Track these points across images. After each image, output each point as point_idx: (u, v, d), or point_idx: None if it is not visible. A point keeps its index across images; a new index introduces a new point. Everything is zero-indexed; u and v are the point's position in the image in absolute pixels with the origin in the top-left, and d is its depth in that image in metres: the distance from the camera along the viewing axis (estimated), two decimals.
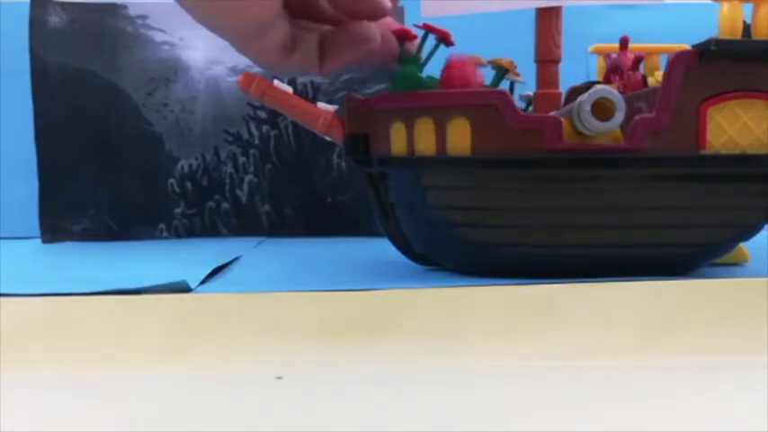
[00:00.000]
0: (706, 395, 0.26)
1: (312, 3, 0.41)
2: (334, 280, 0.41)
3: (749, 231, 0.41)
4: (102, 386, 0.28)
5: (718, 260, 0.43)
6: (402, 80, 0.42)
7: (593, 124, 0.38)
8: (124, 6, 0.65)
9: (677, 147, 0.39)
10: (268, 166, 0.66)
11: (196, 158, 0.66)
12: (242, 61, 0.66)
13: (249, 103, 0.66)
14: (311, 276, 0.44)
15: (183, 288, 0.37)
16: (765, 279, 0.34)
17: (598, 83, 0.50)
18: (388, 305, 0.33)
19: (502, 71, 0.44)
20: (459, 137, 0.39)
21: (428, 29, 0.43)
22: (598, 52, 0.53)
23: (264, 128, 0.66)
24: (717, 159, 0.39)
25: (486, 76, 0.44)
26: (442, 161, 0.40)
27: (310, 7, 0.41)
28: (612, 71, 0.49)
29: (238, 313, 0.33)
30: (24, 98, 0.64)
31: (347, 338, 0.32)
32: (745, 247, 0.44)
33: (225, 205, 0.67)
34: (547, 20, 0.45)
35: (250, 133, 0.66)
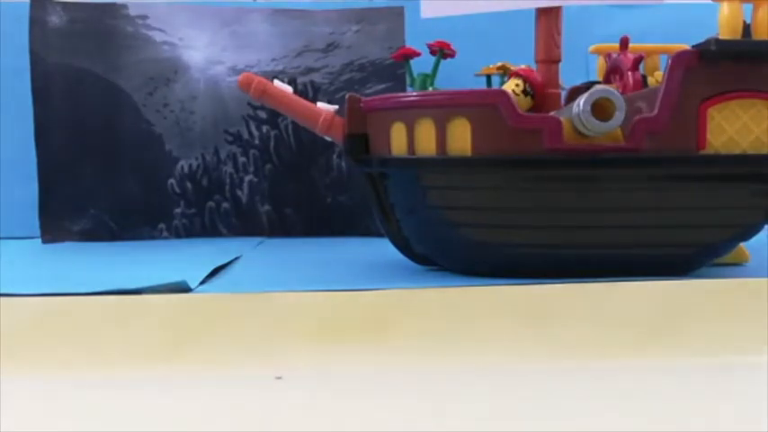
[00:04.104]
0: (706, 395, 0.26)
1: None
2: (334, 280, 0.41)
3: (749, 231, 0.41)
4: (102, 386, 0.28)
5: (718, 260, 0.43)
6: None
7: (593, 124, 0.38)
8: (124, 6, 0.65)
9: (677, 147, 0.39)
10: (268, 166, 0.66)
11: (196, 158, 0.66)
12: (242, 61, 0.66)
13: (249, 103, 0.66)
14: (311, 276, 0.44)
15: (182, 288, 0.37)
16: (765, 279, 0.34)
17: (598, 83, 0.50)
18: (388, 305, 0.33)
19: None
20: (460, 137, 0.39)
21: (441, 46, 0.44)
22: (598, 52, 0.53)
23: (264, 128, 0.66)
24: (717, 159, 0.39)
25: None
26: (442, 161, 0.40)
27: None
28: (612, 71, 0.49)
29: (238, 313, 0.33)
30: (24, 98, 0.64)
31: (347, 338, 0.32)
32: (745, 247, 0.44)
33: (225, 205, 0.66)
34: (547, 20, 0.45)
35: (250, 133, 0.66)
